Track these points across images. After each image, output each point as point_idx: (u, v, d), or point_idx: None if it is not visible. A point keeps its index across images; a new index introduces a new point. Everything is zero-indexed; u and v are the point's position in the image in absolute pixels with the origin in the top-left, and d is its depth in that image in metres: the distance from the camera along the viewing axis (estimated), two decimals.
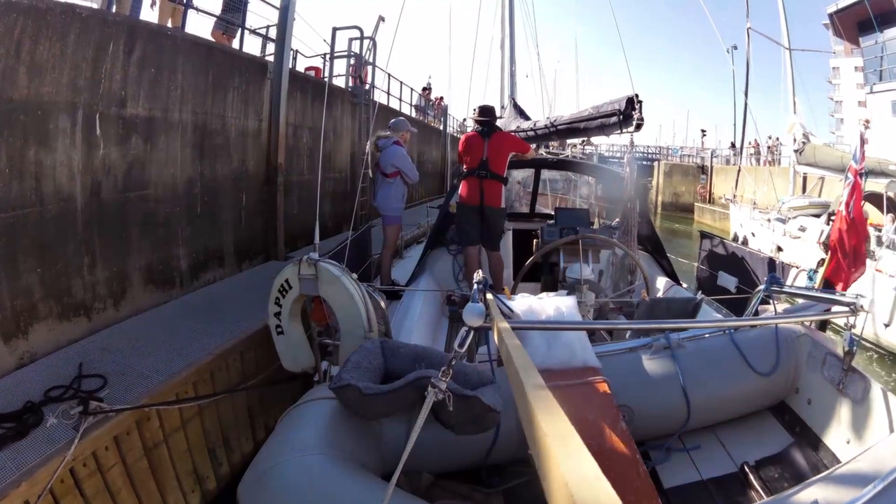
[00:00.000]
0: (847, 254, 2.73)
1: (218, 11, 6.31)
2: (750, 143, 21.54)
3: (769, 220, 9.66)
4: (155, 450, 2.80)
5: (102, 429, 2.43)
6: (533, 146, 6.83)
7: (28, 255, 3.22)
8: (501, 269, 4.18)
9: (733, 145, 22.09)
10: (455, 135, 16.54)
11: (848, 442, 1.83)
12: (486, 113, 4.23)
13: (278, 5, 6.20)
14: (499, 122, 6.05)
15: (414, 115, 14.91)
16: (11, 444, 2.28)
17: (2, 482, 2.06)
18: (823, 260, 3.10)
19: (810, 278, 3.05)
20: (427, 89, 16.56)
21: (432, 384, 1.33)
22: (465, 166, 4.10)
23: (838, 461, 1.71)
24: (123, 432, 2.58)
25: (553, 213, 4.94)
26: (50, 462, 2.18)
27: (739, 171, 16.87)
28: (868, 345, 5.72)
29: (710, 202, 20.15)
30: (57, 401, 2.62)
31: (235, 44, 6.36)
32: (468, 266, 4.09)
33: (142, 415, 2.68)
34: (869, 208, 7.73)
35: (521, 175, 6.80)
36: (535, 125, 5.23)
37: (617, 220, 4.78)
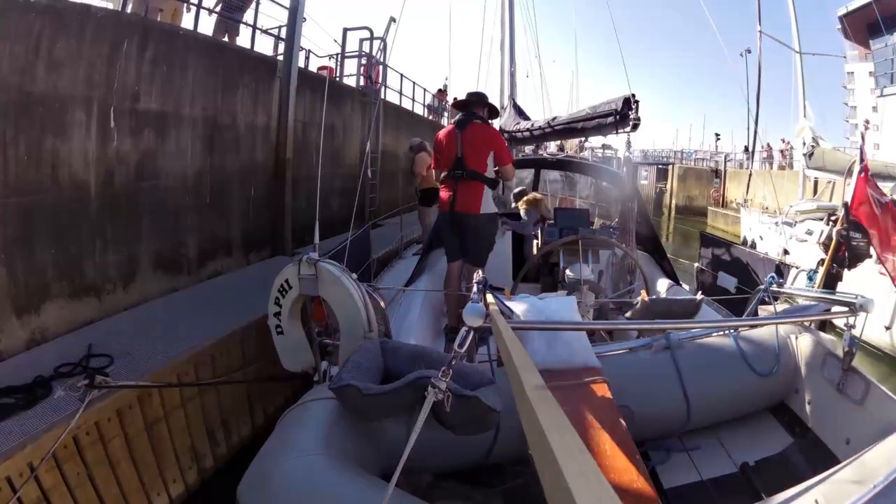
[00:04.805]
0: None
1: (218, 14, 6.40)
2: (763, 148, 21.47)
3: (777, 224, 9.68)
4: (155, 425, 2.92)
5: (106, 401, 2.56)
6: (533, 146, 6.85)
7: (43, 236, 3.36)
8: None
9: (747, 149, 22.00)
10: None
11: (848, 442, 1.83)
12: (464, 101, 3.58)
13: (288, 6, 6.30)
14: (498, 122, 6.02)
15: (426, 115, 14.87)
16: (20, 412, 2.41)
17: (8, 445, 2.16)
18: (823, 260, 3.10)
19: (810, 278, 3.05)
20: (443, 91, 16.50)
21: (432, 384, 1.33)
22: (442, 169, 3.53)
23: (838, 461, 1.70)
24: (126, 406, 2.71)
25: (553, 213, 4.94)
26: (54, 429, 2.30)
27: (751, 175, 16.82)
28: (871, 349, 5.71)
29: (723, 206, 20.03)
30: (66, 376, 2.76)
31: (245, 43, 6.50)
32: (446, 283, 3.58)
33: (144, 392, 2.81)
34: None
35: (519, 175, 6.79)
36: (532, 125, 5.23)
37: (617, 220, 4.78)
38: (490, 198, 3.46)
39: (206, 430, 3.31)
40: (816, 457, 1.90)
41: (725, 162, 22.70)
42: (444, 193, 3.48)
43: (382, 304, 2.36)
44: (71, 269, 3.56)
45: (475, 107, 3.52)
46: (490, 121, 3.68)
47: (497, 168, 3.50)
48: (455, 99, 3.56)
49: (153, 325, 3.64)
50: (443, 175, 3.52)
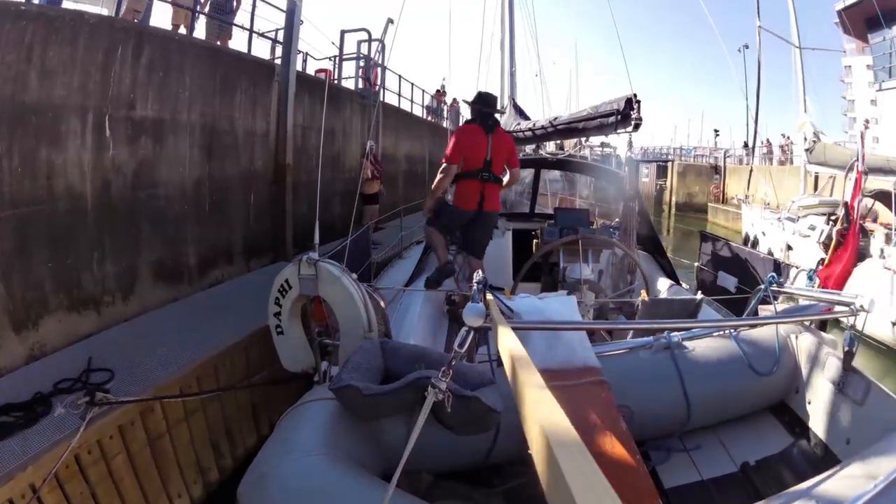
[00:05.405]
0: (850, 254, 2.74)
1: (206, 16, 6.38)
2: (762, 143, 21.45)
3: (779, 220, 9.66)
4: (158, 440, 2.88)
5: (107, 418, 2.52)
6: (534, 146, 6.86)
7: (40, 248, 3.32)
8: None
9: (746, 145, 22.02)
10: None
11: (848, 442, 1.83)
12: (490, 103, 3.63)
13: (285, 9, 6.29)
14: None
15: (425, 116, 14.85)
16: (20, 431, 2.39)
17: (9, 465, 2.15)
18: (823, 259, 3.10)
19: (810, 278, 3.05)
20: (441, 92, 16.50)
21: (432, 384, 1.33)
22: (462, 165, 3.49)
23: (838, 461, 1.70)
24: (128, 423, 2.68)
25: (553, 213, 4.94)
26: (56, 448, 2.27)
27: (752, 171, 16.80)
28: (881, 345, 5.73)
29: (723, 202, 20.04)
30: (66, 392, 2.73)
31: (243, 47, 6.47)
32: (436, 247, 3.64)
33: (146, 406, 2.77)
34: (878, 206, 7.73)
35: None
36: (534, 125, 5.23)
37: (617, 220, 4.78)
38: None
39: (211, 443, 3.27)
40: (817, 457, 1.90)
41: (725, 158, 22.70)
42: (469, 193, 3.55)
43: (382, 304, 2.36)
44: (69, 282, 3.51)
45: (495, 112, 3.68)
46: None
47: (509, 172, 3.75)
48: (479, 97, 3.64)
49: (154, 336, 3.60)
50: (462, 173, 3.52)
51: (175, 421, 3.00)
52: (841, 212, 3.00)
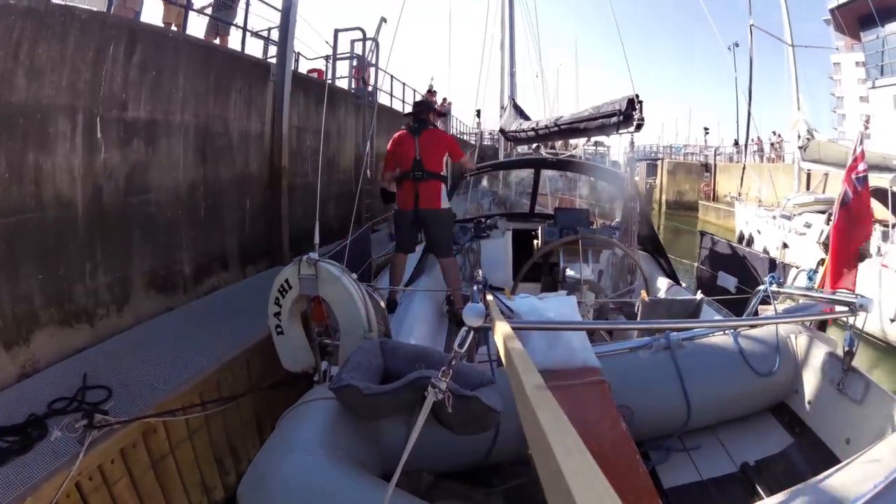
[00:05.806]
0: (850, 252, 2.71)
1: (209, 13, 6.30)
2: (753, 141, 21.49)
3: (774, 218, 9.65)
4: (162, 461, 2.74)
5: (108, 441, 2.38)
6: (534, 146, 6.87)
7: (29, 260, 3.17)
8: (456, 271, 3.85)
9: (736, 143, 22.01)
10: (457, 136, 16.52)
11: (848, 442, 1.83)
12: (415, 105, 4.02)
13: (280, 7, 6.14)
14: (498, 122, 6.04)
15: None
16: (15, 458, 2.24)
17: (7, 497, 2.02)
18: (823, 260, 3.10)
19: (810, 278, 3.05)
20: (431, 91, 16.54)
21: (432, 384, 1.33)
22: (397, 169, 3.78)
23: (838, 461, 1.70)
24: (129, 445, 2.54)
25: (553, 213, 4.95)
26: (55, 476, 2.13)
27: (744, 169, 16.83)
28: (874, 340, 5.74)
29: (714, 200, 20.05)
30: (61, 413, 2.57)
31: (237, 46, 6.33)
32: (392, 275, 3.84)
33: (148, 427, 2.63)
34: (873, 204, 7.73)
35: (519, 175, 6.77)
36: (536, 125, 5.24)
37: (617, 220, 4.79)
38: (446, 194, 3.82)
39: (216, 460, 3.15)
40: (816, 457, 1.90)
41: (715, 156, 22.68)
42: (405, 193, 3.74)
43: (382, 304, 2.36)
44: (60, 293, 3.35)
45: (424, 114, 3.89)
46: (438, 119, 4.12)
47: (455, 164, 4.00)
48: (413, 106, 4.18)
49: (150, 348, 3.43)
50: (398, 175, 3.77)
51: (178, 440, 2.85)
52: None
